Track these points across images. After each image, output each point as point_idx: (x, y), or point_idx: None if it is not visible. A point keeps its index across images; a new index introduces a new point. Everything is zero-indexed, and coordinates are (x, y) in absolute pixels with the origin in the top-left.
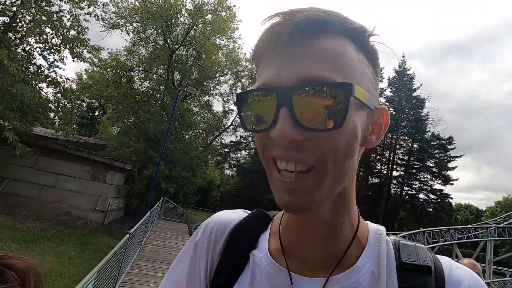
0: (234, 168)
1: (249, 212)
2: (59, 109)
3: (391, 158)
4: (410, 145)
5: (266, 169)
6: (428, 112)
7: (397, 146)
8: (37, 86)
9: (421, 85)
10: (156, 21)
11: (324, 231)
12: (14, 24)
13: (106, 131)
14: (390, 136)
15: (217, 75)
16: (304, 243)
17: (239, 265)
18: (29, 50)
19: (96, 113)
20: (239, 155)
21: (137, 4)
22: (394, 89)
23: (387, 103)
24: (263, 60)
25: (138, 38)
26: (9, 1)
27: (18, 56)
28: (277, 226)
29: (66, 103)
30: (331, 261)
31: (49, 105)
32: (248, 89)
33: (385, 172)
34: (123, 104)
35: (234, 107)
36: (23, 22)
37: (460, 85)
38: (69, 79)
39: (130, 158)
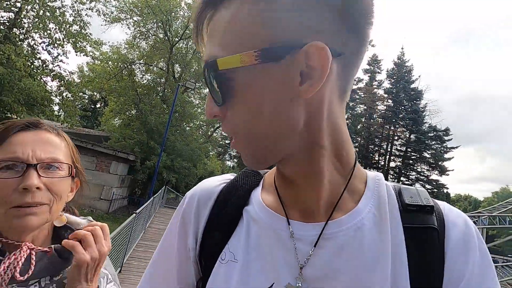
0: (235, 160)
1: (235, 174)
2: (63, 102)
3: (389, 149)
4: (408, 136)
5: None
6: (426, 103)
7: (395, 138)
8: (42, 80)
9: (419, 76)
10: (156, 15)
11: (312, 179)
12: (19, 20)
13: (108, 123)
14: (388, 127)
15: None
16: (299, 191)
17: (230, 223)
18: (34, 45)
19: (98, 105)
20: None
21: None
22: (392, 80)
23: (386, 95)
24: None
25: (138, 31)
26: None
27: (24, 51)
28: (270, 181)
29: (69, 96)
30: (329, 206)
31: (54, 98)
32: None
33: (382, 163)
34: (124, 96)
35: None
36: (27, 18)
37: (465, 75)
38: (72, 73)
39: (132, 149)
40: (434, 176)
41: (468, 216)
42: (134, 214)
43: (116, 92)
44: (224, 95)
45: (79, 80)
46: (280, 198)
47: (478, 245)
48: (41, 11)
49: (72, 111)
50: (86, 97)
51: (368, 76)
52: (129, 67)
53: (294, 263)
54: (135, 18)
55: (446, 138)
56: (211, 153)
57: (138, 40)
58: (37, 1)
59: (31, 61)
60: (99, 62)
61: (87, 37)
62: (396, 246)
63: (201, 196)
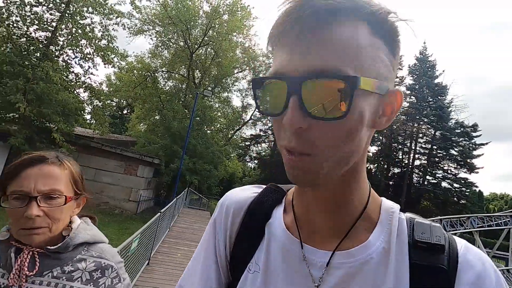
0: (255, 161)
1: (263, 186)
2: (94, 111)
3: (413, 147)
4: (433, 133)
5: (280, 150)
6: (452, 98)
7: (419, 135)
8: (75, 92)
9: (443, 71)
10: (176, 25)
11: (332, 205)
12: (54, 38)
13: (134, 129)
14: (411, 124)
15: (235, 71)
16: (313, 215)
17: (256, 237)
18: (68, 60)
19: (125, 112)
20: (259, 148)
21: (157, 9)
22: (415, 76)
23: (408, 91)
24: (277, 45)
25: (160, 41)
26: (49, 18)
27: (60, 67)
28: (290, 200)
29: (99, 104)
30: (340, 235)
31: (86, 107)
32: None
33: (406, 161)
34: (149, 103)
35: (253, 102)
36: (62, 36)
37: (499, 66)
38: (101, 84)
39: (157, 153)
40: (463, 174)
41: (499, 215)
42: (159, 213)
43: (141, 99)
44: (336, 108)
45: (107, 89)
46: (295, 217)
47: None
48: (74, 29)
49: (102, 119)
50: (113, 104)
51: None
52: (152, 75)
53: (309, 286)
54: (157, 29)
55: (474, 134)
56: (232, 155)
57: (161, 49)
58: (70, 20)
59: (65, 75)
60: (125, 71)
61: (115, 50)
62: (399, 282)
63: (232, 206)
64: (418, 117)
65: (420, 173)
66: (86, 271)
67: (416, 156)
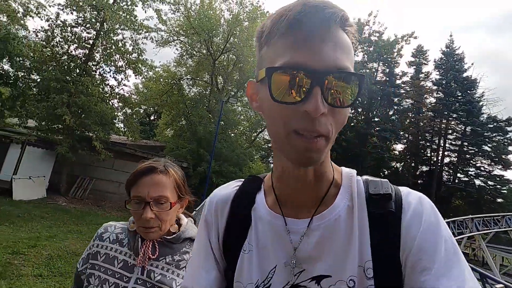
0: None
1: (242, 180)
2: (126, 119)
3: (442, 144)
4: (463, 129)
5: (283, 135)
6: (482, 92)
7: (448, 131)
8: (110, 103)
9: (472, 64)
10: (199, 35)
11: (314, 179)
12: (91, 54)
13: (162, 134)
14: (439, 121)
15: None
16: (296, 191)
17: (245, 222)
18: (103, 74)
19: (152, 118)
20: None
21: (181, 19)
22: (441, 71)
23: (435, 87)
24: (289, 36)
25: (184, 50)
26: (87, 36)
27: (97, 80)
28: (269, 184)
29: (130, 113)
30: (317, 203)
31: (118, 114)
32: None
33: (435, 159)
34: (175, 109)
35: None
36: (98, 52)
37: None
38: (132, 94)
39: (185, 157)
40: (498, 171)
41: None
42: (195, 211)
43: (168, 106)
44: (347, 98)
45: (135, 97)
46: (277, 199)
47: (428, 218)
48: (108, 45)
49: (134, 126)
50: (141, 111)
51: (414, 68)
52: (178, 83)
53: (289, 249)
54: (181, 39)
55: (509, 129)
56: (255, 156)
57: (185, 57)
58: (105, 37)
59: (102, 87)
60: (153, 81)
61: (145, 63)
62: (362, 228)
63: (218, 203)
64: (446, 113)
65: (451, 171)
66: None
67: (446, 153)
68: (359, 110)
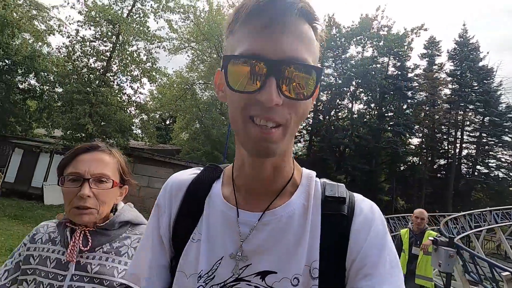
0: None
1: (201, 168)
2: (143, 125)
3: (459, 137)
4: (481, 120)
5: (241, 124)
6: (500, 81)
7: (465, 123)
8: (128, 111)
9: (487, 53)
10: (209, 41)
11: (272, 172)
12: (109, 66)
13: (178, 138)
14: (456, 112)
15: None
16: (253, 182)
17: (197, 211)
18: (120, 84)
19: (167, 122)
20: (295, 147)
21: (191, 26)
22: (455, 62)
23: (449, 78)
24: (248, 25)
25: (196, 56)
26: (104, 49)
27: (116, 90)
28: (228, 175)
29: (146, 119)
30: (272, 197)
31: (135, 121)
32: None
33: (453, 152)
34: (189, 114)
35: None
36: (115, 64)
37: None
38: (148, 101)
39: (200, 159)
40: None
41: None
42: None
43: (182, 110)
44: (304, 91)
45: (151, 102)
46: (235, 190)
47: (377, 227)
48: (123, 56)
49: (151, 132)
50: (157, 116)
51: (426, 61)
52: (191, 88)
53: (237, 241)
54: (192, 45)
55: None
56: None
57: (197, 63)
58: (120, 49)
59: (119, 96)
60: (167, 87)
61: (159, 71)
62: (314, 228)
63: (173, 187)
64: (462, 104)
65: (470, 163)
66: (131, 247)
67: (464, 145)
68: (372, 105)
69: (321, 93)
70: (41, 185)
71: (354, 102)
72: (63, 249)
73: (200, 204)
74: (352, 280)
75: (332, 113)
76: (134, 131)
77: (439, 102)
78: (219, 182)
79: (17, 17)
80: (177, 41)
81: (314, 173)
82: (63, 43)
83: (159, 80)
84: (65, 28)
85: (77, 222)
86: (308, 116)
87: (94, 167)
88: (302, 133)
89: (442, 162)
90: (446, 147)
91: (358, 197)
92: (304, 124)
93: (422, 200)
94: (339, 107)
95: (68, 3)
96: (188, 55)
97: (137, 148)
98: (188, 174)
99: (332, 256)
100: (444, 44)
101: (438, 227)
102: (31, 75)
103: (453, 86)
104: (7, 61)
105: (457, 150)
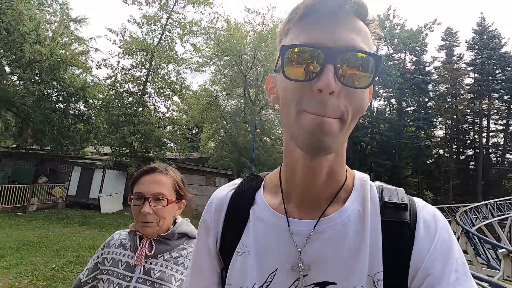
0: None
1: (242, 179)
2: (176, 138)
3: (485, 125)
4: (507, 107)
5: (293, 116)
6: None
7: (491, 112)
8: (164, 126)
9: (508, 39)
10: (230, 56)
11: (326, 175)
12: (144, 89)
13: (206, 146)
14: (479, 102)
15: None
16: (307, 189)
17: (241, 223)
18: (155, 104)
19: (194, 131)
20: None
21: (212, 44)
22: (475, 51)
23: (470, 68)
24: (307, 19)
25: (218, 71)
26: (140, 75)
27: (152, 110)
28: (272, 181)
29: (179, 132)
30: (324, 204)
31: (170, 136)
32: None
33: (479, 141)
34: (215, 124)
35: None
36: (150, 87)
37: None
38: (180, 117)
39: (229, 166)
40: None
41: None
42: None
43: (208, 121)
44: (362, 79)
45: (180, 114)
46: (283, 196)
47: (441, 235)
48: (156, 79)
49: (184, 144)
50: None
51: (445, 52)
52: (215, 100)
53: (293, 252)
54: (214, 60)
55: None
56: None
57: (219, 77)
58: (154, 74)
59: (156, 115)
60: (195, 100)
61: (187, 88)
62: (374, 236)
63: (216, 205)
64: (486, 93)
65: (499, 152)
66: (187, 258)
67: (491, 134)
68: (392, 101)
69: None
70: (97, 196)
71: (373, 99)
72: (132, 253)
73: (243, 215)
74: None
75: None
76: (169, 144)
77: (462, 93)
78: (260, 191)
79: (69, 55)
80: (200, 58)
81: (367, 176)
82: (107, 74)
83: (188, 97)
84: (109, 61)
85: (142, 233)
86: None
87: (153, 187)
88: None
89: (469, 152)
90: (473, 137)
91: (420, 203)
92: None
93: (450, 192)
94: None
95: (110, 40)
96: (211, 71)
97: (172, 159)
98: (229, 187)
99: (396, 267)
100: (461, 34)
101: (454, 217)
102: (80, 102)
103: (475, 75)
104: (63, 93)
105: (484, 140)
